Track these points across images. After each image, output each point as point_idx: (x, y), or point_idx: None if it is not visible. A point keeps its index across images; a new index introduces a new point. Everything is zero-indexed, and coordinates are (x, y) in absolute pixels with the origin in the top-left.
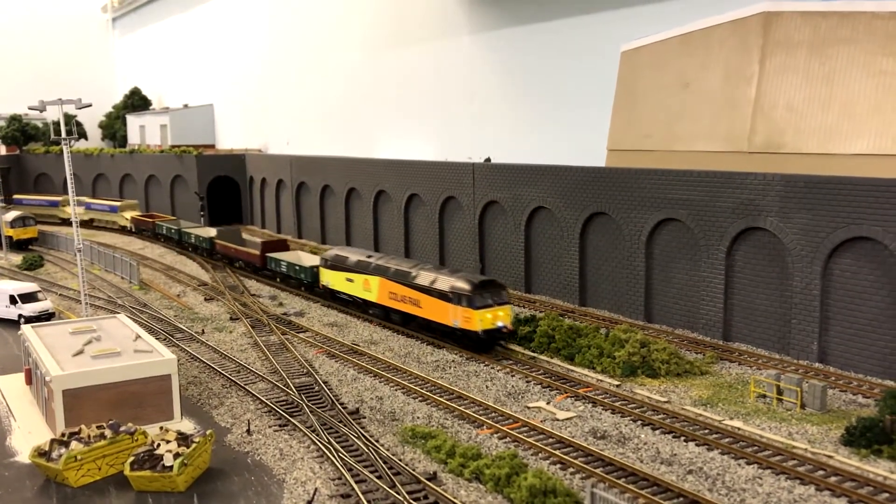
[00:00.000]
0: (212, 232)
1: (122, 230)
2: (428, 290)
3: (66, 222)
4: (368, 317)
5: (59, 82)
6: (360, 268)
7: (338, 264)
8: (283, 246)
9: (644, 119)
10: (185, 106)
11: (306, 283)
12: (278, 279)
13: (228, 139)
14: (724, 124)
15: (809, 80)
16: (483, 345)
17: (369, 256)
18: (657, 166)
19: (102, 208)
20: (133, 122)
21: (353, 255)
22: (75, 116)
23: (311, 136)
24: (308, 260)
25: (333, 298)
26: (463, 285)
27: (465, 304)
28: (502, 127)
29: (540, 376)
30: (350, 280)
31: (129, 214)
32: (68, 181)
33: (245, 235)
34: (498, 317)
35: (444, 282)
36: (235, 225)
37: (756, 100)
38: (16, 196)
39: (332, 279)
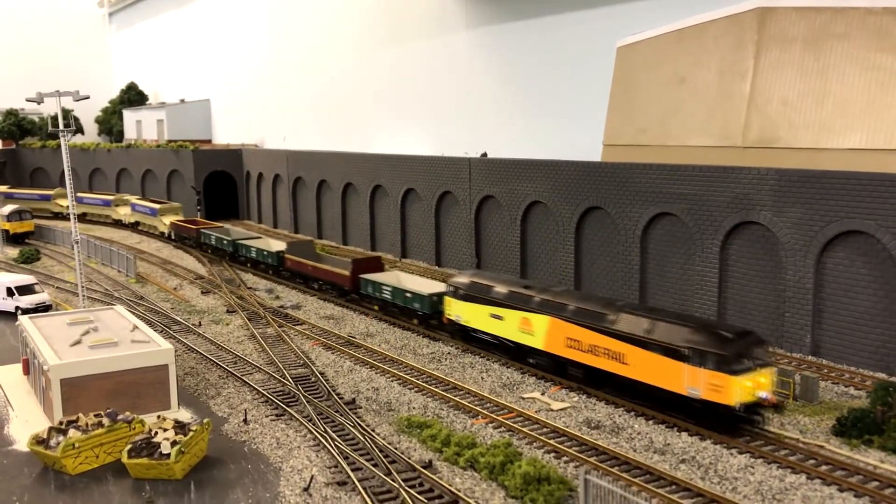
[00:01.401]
0: (278, 245)
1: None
2: (642, 342)
3: (63, 216)
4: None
5: (56, 77)
6: (517, 301)
7: (477, 295)
8: (376, 265)
9: (639, 114)
10: (182, 101)
11: (421, 315)
12: (376, 307)
13: (225, 134)
14: (719, 119)
15: (803, 76)
16: (731, 421)
17: (527, 287)
18: (652, 161)
19: (144, 210)
20: (130, 116)
21: (501, 284)
22: (72, 110)
23: (307, 131)
24: (423, 285)
25: (466, 337)
26: (708, 339)
27: (712, 365)
28: (498, 122)
29: (534, 368)
30: (497, 317)
31: (168, 219)
32: (66, 175)
33: (320, 250)
34: (759, 384)
35: (671, 332)
36: (303, 237)
37: (750, 95)
38: (5, 190)
39: (466, 313)
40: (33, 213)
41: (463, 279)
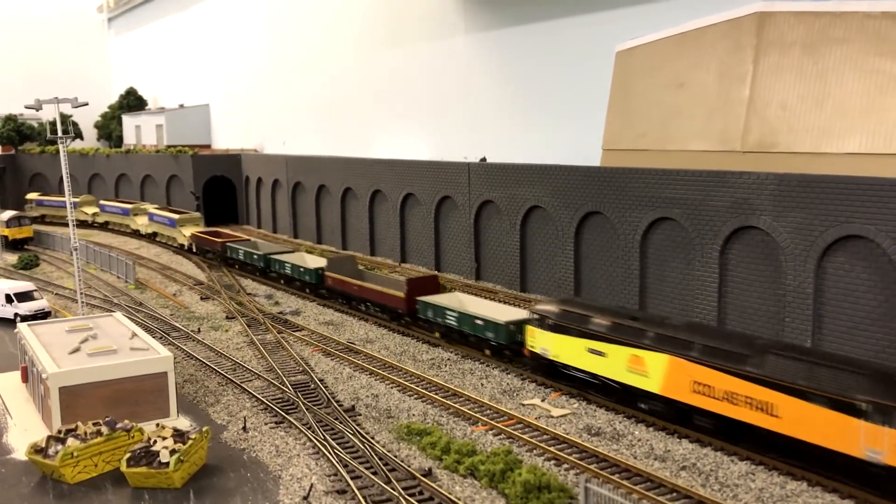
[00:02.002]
0: (316, 261)
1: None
2: (800, 392)
3: (90, 225)
4: (363, 315)
5: (55, 82)
6: (624, 335)
7: (571, 325)
8: (433, 285)
9: (639, 119)
10: (181, 106)
11: (495, 345)
12: (437, 334)
13: (224, 139)
14: (718, 124)
15: (803, 80)
16: None
17: (637, 318)
18: (652, 166)
19: (162, 220)
20: (129, 122)
21: (602, 314)
22: (71, 116)
23: (306, 136)
24: (492, 310)
25: (553, 372)
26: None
27: None
28: (498, 126)
29: (533, 374)
30: (597, 353)
31: (188, 231)
32: (65, 181)
33: (361, 266)
34: None
35: (841, 380)
36: (343, 252)
37: (750, 99)
38: (37, 197)
39: (556, 346)
40: (57, 222)
41: (551, 307)
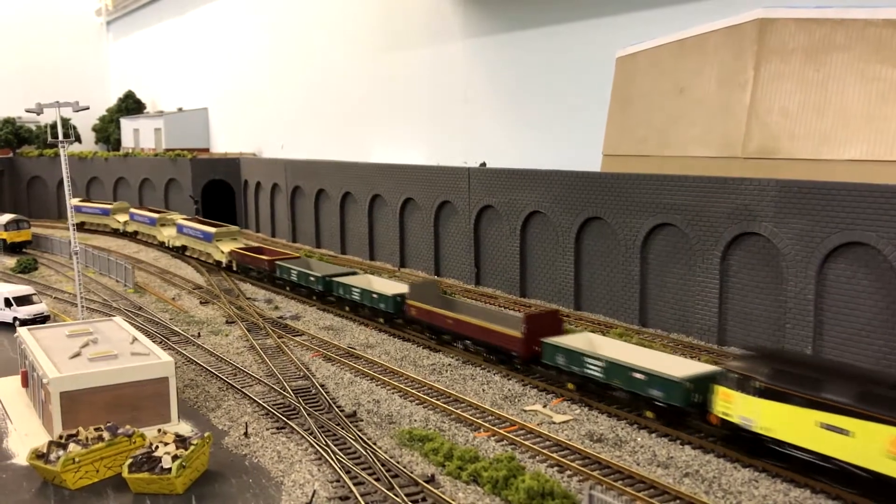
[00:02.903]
0: (392, 286)
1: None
2: None
3: (118, 232)
4: (363, 321)
5: (53, 85)
6: (881, 408)
7: (792, 390)
8: (554, 322)
9: (639, 124)
10: (180, 109)
11: (665, 406)
12: (571, 385)
13: (223, 143)
14: (719, 130)
15: (804, 87)
16: None
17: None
18: (652, 171)
19: (195, 234)
20: (127, 125)
21: (833, 376)
22: (70, 119)
23: (305, 140)
24: (651, 360)
25: (756, 450)
26: None
27: None
28: (497, 131)
29: (535, 380)
30: (837, 430)
31: (227, 246)
32: (65, 184)
33: (447, 292)
34: None
35: None
36: (426, 277)
37: (751, 105)
38: (77, 203)
39: (767, 416)
40: (96, 228)
41: (756, 363)
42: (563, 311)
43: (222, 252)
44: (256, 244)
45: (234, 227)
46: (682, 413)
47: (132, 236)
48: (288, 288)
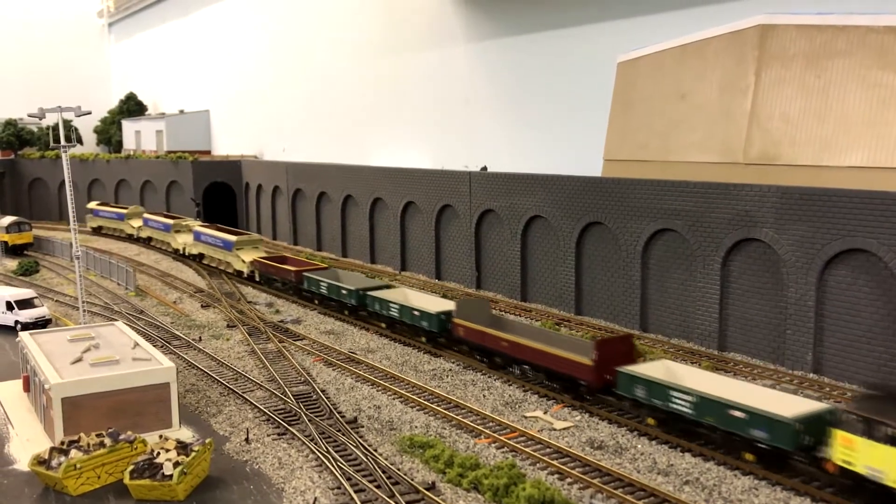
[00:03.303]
0: (434, 302)
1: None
2: None
3: (132, 238)
4: (364, 325)
5: (55, 87)
6: None
7: None
8: (626, 348)
9: (640, 129)
10: (181, 112)
11: (769, 449)
12: (651, 420)
13: (224, 145)
14: (720, 135)
15: (805, 93)
16: None
17: None
18: (653, 177)
19: (213, 242)
20: (129, 127)
21: None
22: (71, 122)
23: (307, 142)
24: (748, 395)
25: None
26: None
27: None
28: (499, 136)
29: (536, 386)
30: None
31: (248, 255)
32: (67, 187)
33: (520, 318)
34: None
35: None
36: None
37: (752, 111)
38: (93, 207)
39: None
40: (114, 234)
41: (884, 405)
42: (564, 316)
43: (244, 262)
44: (280, 253)
45: (255, 235)
46: (789, 456)
47: (146, 242)
48: (317, 301)
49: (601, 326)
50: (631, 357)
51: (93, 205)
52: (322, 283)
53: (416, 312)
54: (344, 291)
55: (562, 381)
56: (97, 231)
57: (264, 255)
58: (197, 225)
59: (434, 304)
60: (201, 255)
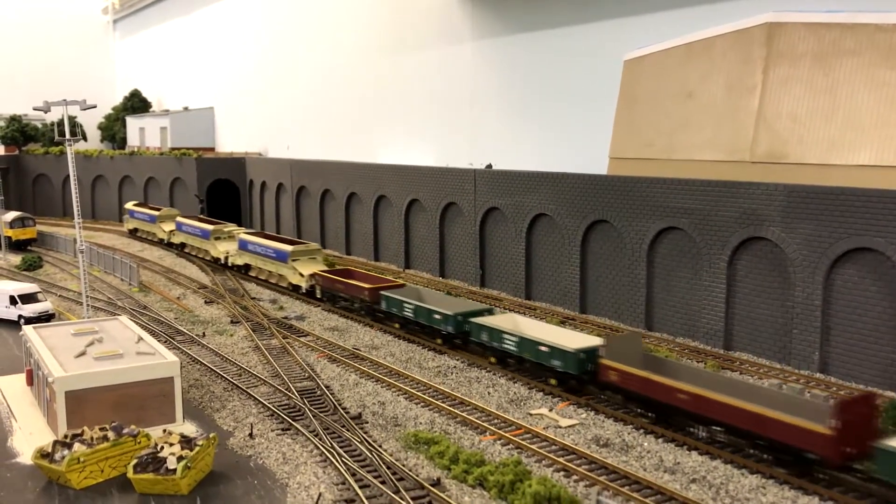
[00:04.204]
0: (574, 338)
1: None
2: None
3: (168, 244)
4: (369, 322)
5: (59, 84)
6: None
7: None
8: (870, 412)
9: (646, 128)
10: (185, 108)
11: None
12: None
13: (228, 142)
14: (727, 134)
15: (813, 91)
16: None
17: None
18: (659, 175)
19: (264, 252)
20: (133, 124)
21: None
22: (75, 117)
23: (311, 140)
24: None
25: None
26: None
27: None
28: (504, 133)
29: (541, 383)
30: None
31: (306, 268)
32: (71, 183)
33: (687, 361)
34: None
35: None
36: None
37: (759, 110)
38: (130, 207)
39: None
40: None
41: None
42: (569, 314)
43: (301, 275)
44: (342, 266)
45: (313, 245)
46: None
47: (179, 249)
48: (397, 325)
49: (605, 325)
50: (872, 420)
51: (130, 205)
52: (407, 305)
53: (543, 348)
54: (438, 316)
55: (776, 452)
56: (133, 233)
57: (326, 268)
58: (242, 232)
59: (567, 338)
60: (247, 267)
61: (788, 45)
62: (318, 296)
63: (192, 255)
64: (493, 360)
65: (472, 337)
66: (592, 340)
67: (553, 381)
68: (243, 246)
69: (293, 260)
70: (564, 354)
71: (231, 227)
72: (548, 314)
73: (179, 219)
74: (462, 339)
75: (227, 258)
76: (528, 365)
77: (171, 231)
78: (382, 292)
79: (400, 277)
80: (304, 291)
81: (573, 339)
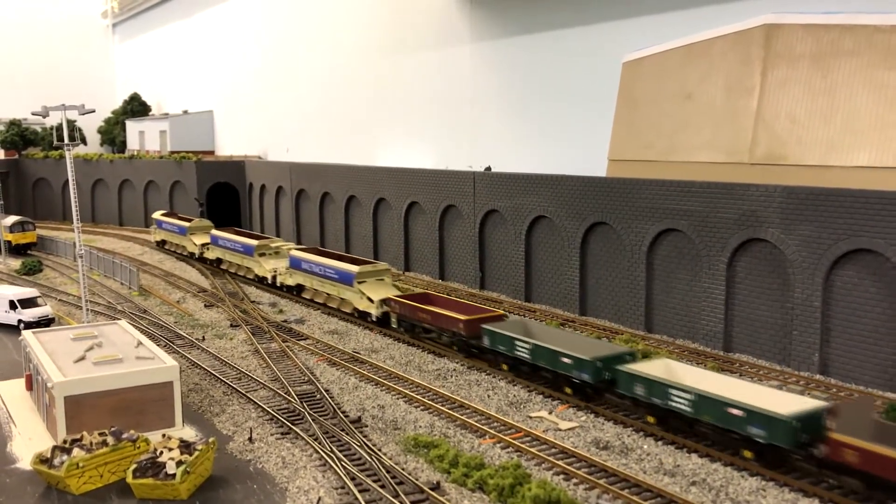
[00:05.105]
0: (780, 399)
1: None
2: None
3: (194, 257)
4: (368, 324)
5: (59, 87)
6: None
7: None
8: None
9: (645, 129)
10: (185, 112)
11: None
12: None
13: (228, 145)
14: (726, 135)
15: (811, 93)
16: None
17: None
18: (658, 177)
19: (326, 273)
20: (132, 127)
21: None
22: (75, 121)
23: (310, 143)
24: None
25: None
26: None
27: None
28: (503, 136)
29: (541, 386)
30: None
31: (376, 292)
32: (70, 187)
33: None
34: None
35: None
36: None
37: (758, 111)
38: (157, 217)
39: None
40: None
41: None
42: (569, 317)
43: (370, 300)
44: (421, 291)
45: (382, 264)
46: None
47: (213, 265)
48: (506, 367)
49: (604, 327)
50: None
51: (157, 214)
52: (521, 345)
53: (735, 412)
54: (567, 360)
55: None
56: (161, 245)
57: (401, 293)
58: (293, 249)
59: (765, 397)
60: (299, 287)
61: (787, 47)
62: (394, 325)
63: (233, 273)
64: (651, 419)
65: (620, 389)
66: (805, 402)
67: (748, 454)
68: (296, 265)
69: (360, 281)
70: (771, 422)
71: (279, 242)
72: (547, 316)
73: (215, 231)
74: (601, 389)
75: (274, 277)
76: (708, 430)
77: (205, 244)
78: (485, 326)
79: (399, 280)
80: (374, 319)
81: (776, 400)
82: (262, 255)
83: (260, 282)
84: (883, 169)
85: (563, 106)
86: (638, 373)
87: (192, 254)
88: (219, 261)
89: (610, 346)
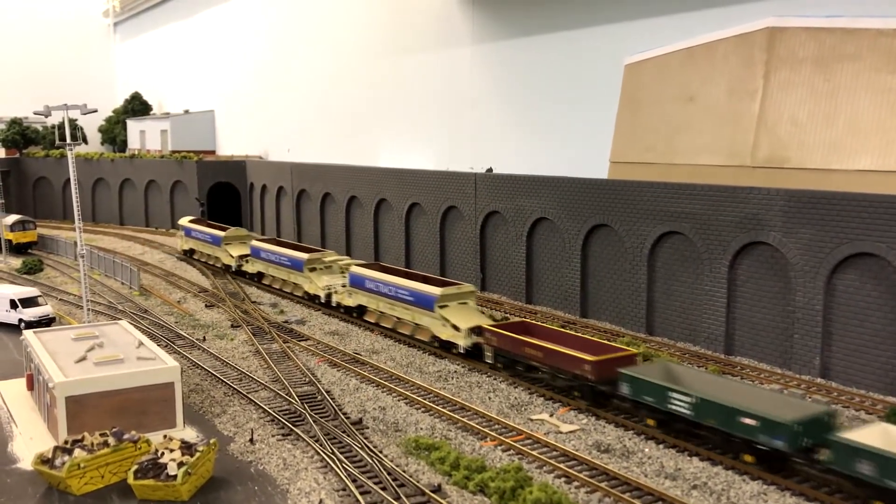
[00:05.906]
0: None
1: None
2: None
3: (236, 271)
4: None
5: (60, 86)
6: None
7: None
8: None
9: (647, 132)
10: (186, 111)
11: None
12: None
13: (229, 145)
14: (728, 138)
15: (814, 96)
16: None
17: None
18: (660, 179)
19: (399, 295)
20: (133, 126)
21: None
22: (76, 120)
23: (312, 143)
24: None
25: None
26: None
27: None
28: (504, 137)
29: (542, 388)
30: None
31: (461, 318)
32: (72, 186)
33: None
34: None
35: None
36: None
37: (760, 114)
38: (185, 224)
39: None
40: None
41: None
42: (570, 318)
43: (456, 329)
44: (520, 319)
45: (466, 286)
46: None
47: (253, 279)
48: (651, 422)
49: (605, 329)
50: None
51: (185, 221)
52: (680, 398)
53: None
54: (751, 422)
55: None
56: (189, 255)
57: (496, 322)
58: (353, 263)
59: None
60: (360, 309)
61: (789, 50)
62: (488, 360)
63: (277, 289)
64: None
65: (835, 465)
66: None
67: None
68: (357, 282)
69: (441, 306)
70: None
71: (332, 256)
72: (548, 318)
73: (256, 242)
74: (797, 459)
75: (329, 296)
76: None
77: (244, 257)
78: (623, 371)
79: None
80: (462, 352)
81: None
82: (312, 269)
83: (311, 300)
84: (885, 173)
85: (564, 108)
86: (864, 448)
87: (227, 266)
88: (260, 275)
89: (801, 403)
